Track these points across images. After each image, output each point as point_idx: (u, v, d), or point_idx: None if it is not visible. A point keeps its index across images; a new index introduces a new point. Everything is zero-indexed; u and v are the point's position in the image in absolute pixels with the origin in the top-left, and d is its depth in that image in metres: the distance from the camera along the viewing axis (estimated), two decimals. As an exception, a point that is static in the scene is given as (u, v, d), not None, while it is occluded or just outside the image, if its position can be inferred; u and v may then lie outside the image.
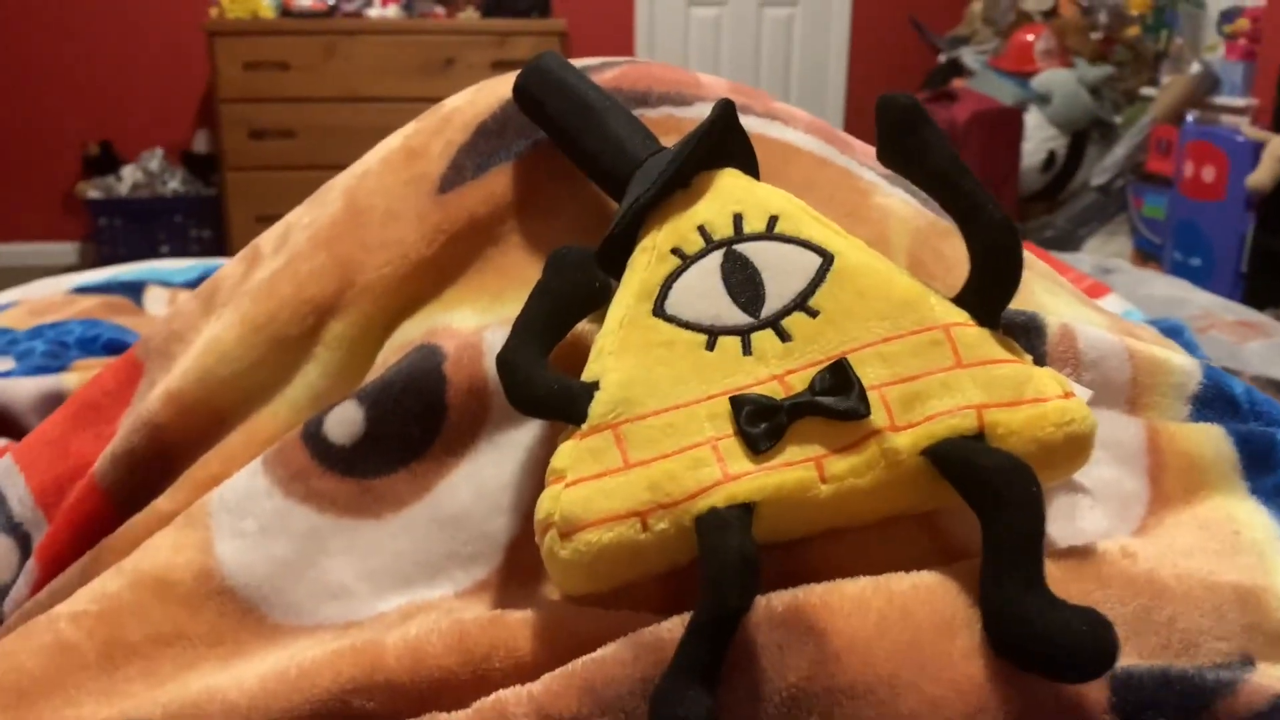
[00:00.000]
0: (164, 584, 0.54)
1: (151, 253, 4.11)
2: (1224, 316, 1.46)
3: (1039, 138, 4.01)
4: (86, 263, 4.37)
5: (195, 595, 0.54)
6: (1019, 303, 0.60)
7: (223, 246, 4.15)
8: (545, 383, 0.50)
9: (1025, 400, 0.48)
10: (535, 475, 0.55)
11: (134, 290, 1.75)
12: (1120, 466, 0.56)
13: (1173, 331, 1.39)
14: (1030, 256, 0.68)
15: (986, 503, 0.44)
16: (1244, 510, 0.54)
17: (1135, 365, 0.59)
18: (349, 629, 0.53)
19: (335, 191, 0.68)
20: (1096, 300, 1.43)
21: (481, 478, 0.55)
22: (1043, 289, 0.67)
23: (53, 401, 1.24)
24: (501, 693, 0.45)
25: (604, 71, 0.69)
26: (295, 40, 3.91)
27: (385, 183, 0.66)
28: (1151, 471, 0.56)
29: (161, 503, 0.61)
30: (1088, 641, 0.41)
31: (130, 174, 4.25)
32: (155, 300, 1.76)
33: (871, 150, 0.73)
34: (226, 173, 3.98)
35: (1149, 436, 0.57)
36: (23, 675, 0.52)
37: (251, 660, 0.52)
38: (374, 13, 4.04)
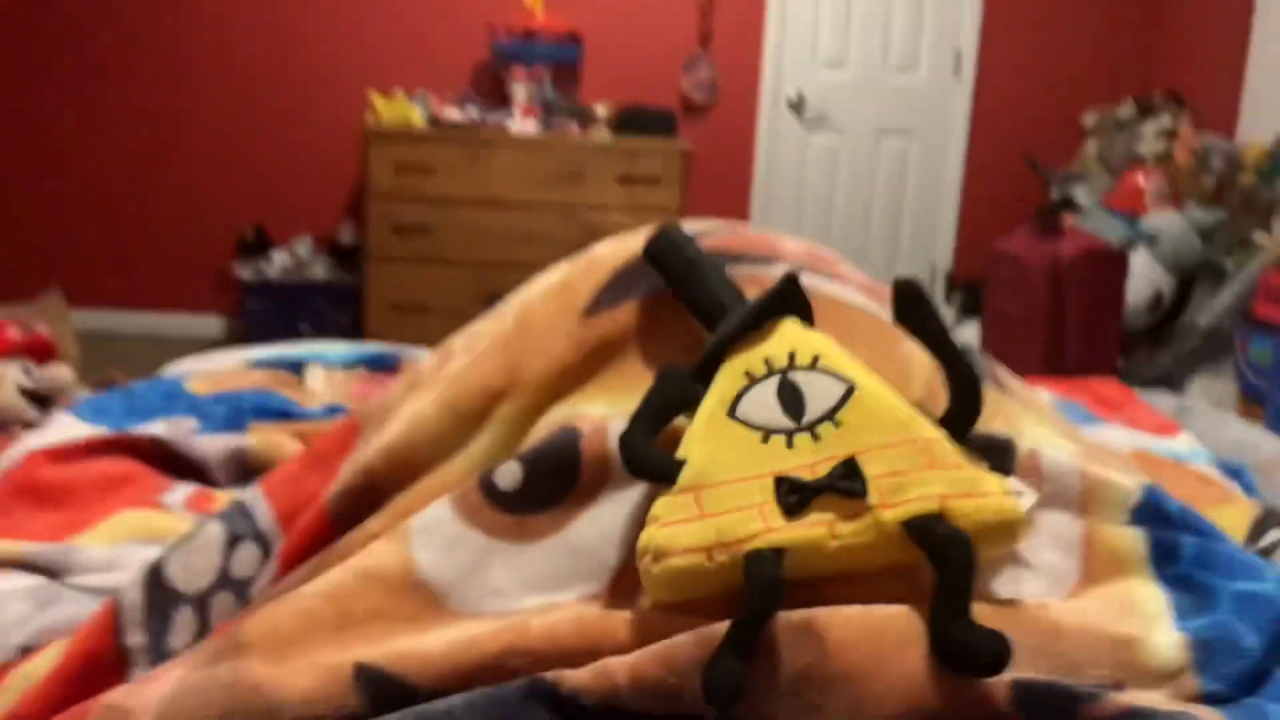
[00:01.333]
0: (378, 577, 0.78)
1: (292, 332, 4.42)
2: (1293, 462, 1.60)
3: (1147, 277, 4.06)
4: (231, 338, 4.72)
5: (399, 586, 0.78)
6: (1008, 429, 0.82)
7: (359, 331, 4.47)
8: (650, 457, 0.74)
9: (976, 495, 0.70)
10: (637, 523, 0.78)
11: (297, 367, 2.06)
12: (1060, 553, 0.77)
13: (1234, 471, 1.57)
14: (1031, 395, 0.91)
15: (938, 559, 0.66)
16: (1147, 589, 0.74)
17: (1085, 482, 0.80)
18: (502, 617, 0.76)
19: (510, 310, 0.94)
20: (1167, 437, 1.62)
21: (601, 522, 0.79)
22: (1032, 421, 0.88)
23: (236, 456, 1.52)
24: (608, 659, 0.68)
25: (708, 237, 0.94)
26: (442, 147, 4.28)
27: (547, 307, 0.92)
28: (1084, 558, 0.77)
29: (372, 524, 0.86)
30: (990, 651, 0.62)
31: (280, 258, 4.64)
32: (314, 377, 2.05)
33: None
34: (368, 263, 4.33)
35: (1086, 534, 0.78)
36: (280, 630, 0.76)
37: (436, 633, 0.75)
38: (514, 126, 4.41)
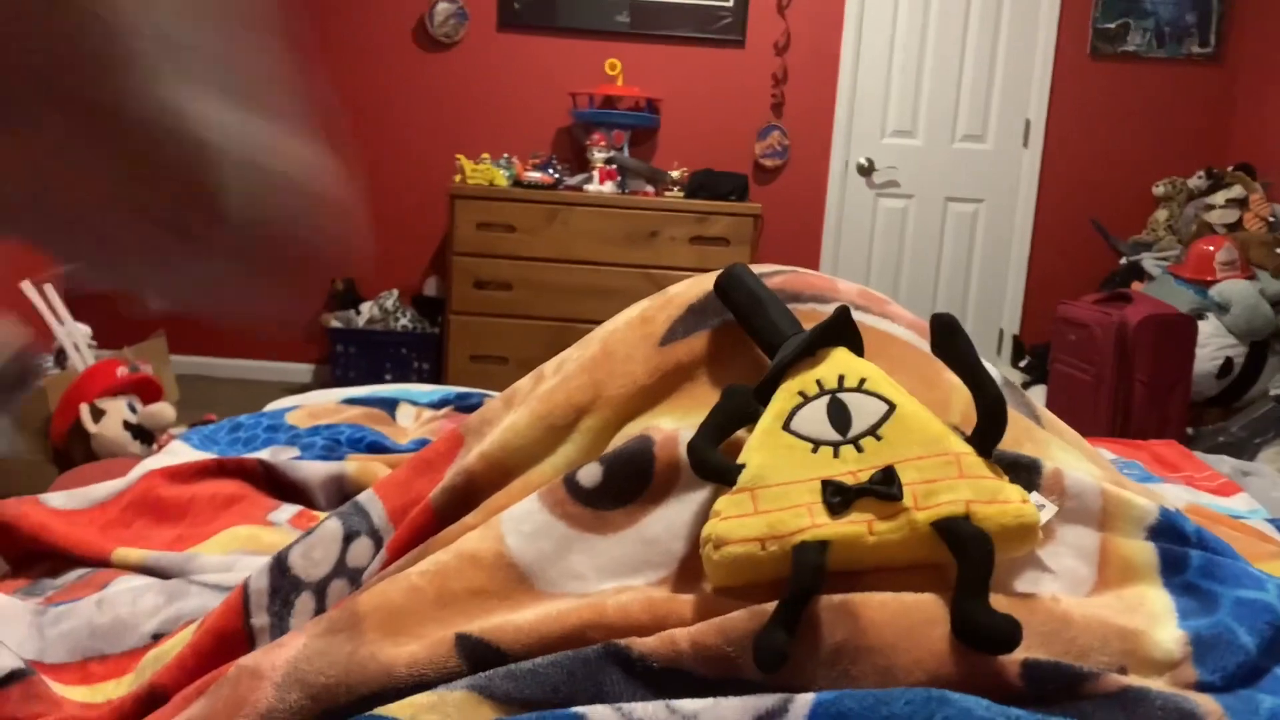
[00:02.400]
0: (475, 559, 0.90)
1: (377, 379, 4.63)
2: (1346, 521, 1.67)
3: (1216, 344, 4.07)
4: (319, 383, 4.94)
5: (493, 567, 0.90)
6: (1036, 452, 0.92)
7: (439, 378, 4.65)
8: (715, 461, 0.85)
9: (997, 501, 0.80)
10: (701, 519, 0.89)
11: (389, 405, 2.21)
12: (1079, 560, 0.86)
13: (1285, 527, 1.64)
14: (1063, 426, 1.01)
15: (961, 554, 0.77)
16: (1154, 593, 0.83)
17: (1106, 500, 0.90)
18: (583, 597, 0.88)
19: (595, 338, 1.07)
20: (1227, 497, 1.70)
21: (669, 518, 0.90)
22: (1059, 447, 0.98)
23: (336, 480, 1.65)
24: (673, 630, 0.79)
25: (774, 277, 1.06)
26: (523, 207, 4.47)
27: (627, 336, 1.04)
28: (1100, 566, 0.86)
29: (469, 518, 0.98)
30: (1004, 632, 0.72)
31: (368, 309, 4.86)
32: (405, 415, 2.19)
33: None
34: (450, 315, 4.53)
35: (1103, 545, 0.87)
36: (390, 604, 0.89)
37: (525, 610, 0.87)
38: (592, 188, 4.60)
